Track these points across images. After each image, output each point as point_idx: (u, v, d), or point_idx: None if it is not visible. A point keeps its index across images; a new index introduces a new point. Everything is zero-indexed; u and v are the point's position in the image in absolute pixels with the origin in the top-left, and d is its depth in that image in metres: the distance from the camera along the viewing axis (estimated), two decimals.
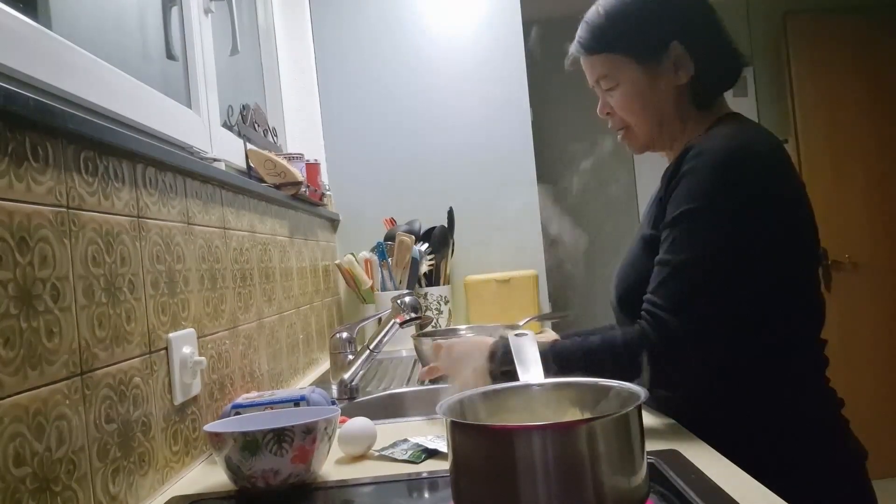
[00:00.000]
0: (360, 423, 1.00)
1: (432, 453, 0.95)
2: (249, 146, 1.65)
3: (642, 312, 0.96)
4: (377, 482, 0.86)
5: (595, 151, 3.78)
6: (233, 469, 0.84)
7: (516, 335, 0.91)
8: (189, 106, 1.41)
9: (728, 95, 1.11)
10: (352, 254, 2.24)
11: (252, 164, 1.63)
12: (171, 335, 0.96)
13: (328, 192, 2.36)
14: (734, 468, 0.79)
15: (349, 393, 1.43)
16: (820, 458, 0.96)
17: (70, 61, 0.92)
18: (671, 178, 1.00)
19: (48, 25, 0.92)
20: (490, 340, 1.09)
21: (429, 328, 1.98)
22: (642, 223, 1.12)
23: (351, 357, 1.45)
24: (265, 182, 1.64)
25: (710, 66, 1.05)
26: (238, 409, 1.05)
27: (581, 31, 1.12)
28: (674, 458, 0.81)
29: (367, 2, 2.45)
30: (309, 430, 0.84)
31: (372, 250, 2.23)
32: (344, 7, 2.45)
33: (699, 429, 0.95)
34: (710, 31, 1.08)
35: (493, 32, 2.43)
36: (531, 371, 0.83)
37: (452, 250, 2.33)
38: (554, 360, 0.95)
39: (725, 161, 0.95)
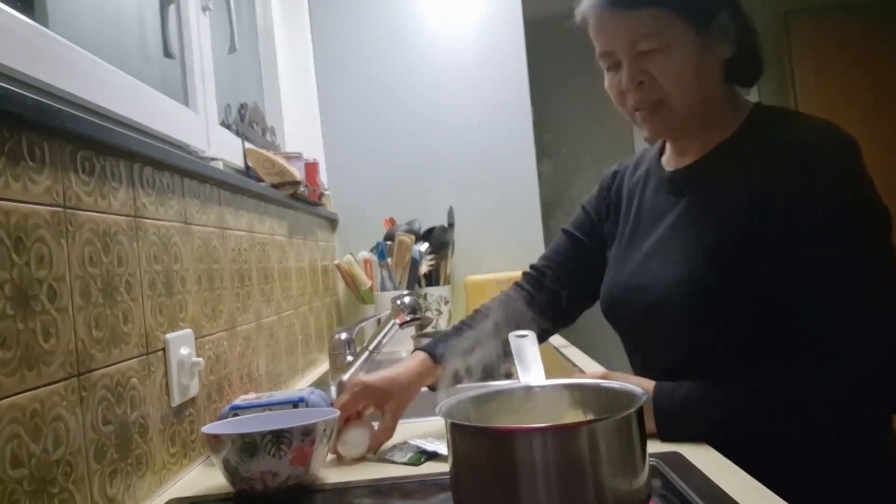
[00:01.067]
0: (358, 426, 0.99)
1: (432, 455, 0.95)
2: (248, 145, 1.64)
3: (836, 342, 0.84)
4: (376, 484, 0.86)
5: (596, 150, 3.77)
6: (231, 471, 0.83)
7: (516, 335, 0.91)
8: (187, 105, 1.40)
9: None
10: (351, 254, 2.24)
11: (250, 164, 1.63)
12: (168, 336, 0.96)
13: (327, 192, 2.36)
14: (736, 469, 0.79)
15: None
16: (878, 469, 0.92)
17: (67, 60, 0.91)
18: (779, 183, 0.88)
19: (45, 24, 0.91)
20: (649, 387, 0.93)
21: (429, 329, 1.97)
22: (688, 230, 0.98)
23: (350, 358, 1.45)
24: (263, 181, 1.63)
25: (749, 45, 0.97)
26: (236, 410, 1.05)
27: None
28: (675, 459, 0.81)
29: (367, 1, 2.44)
30: (308, 432, 0.83)
31: (371, 250, 2.22)
32: (343, 6, 2.45)
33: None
34: (744, 8, 0.99)
35: (493, 32, 2.43)
36: (531, 372, 0.83)
37: (452, 250, 2.33)
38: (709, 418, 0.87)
39: (851, 157, 0.89)
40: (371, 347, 1.44)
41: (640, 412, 0.63)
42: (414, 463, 0.93)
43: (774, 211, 0.88)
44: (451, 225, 2.30)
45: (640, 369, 1.10)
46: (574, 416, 0.73)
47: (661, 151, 1.11)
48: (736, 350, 0.92)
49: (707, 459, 0.82)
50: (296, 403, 1.05)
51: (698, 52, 0.93)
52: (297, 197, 1.77)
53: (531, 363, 0.84)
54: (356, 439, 0.98)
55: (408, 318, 1.43)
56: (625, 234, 1.12)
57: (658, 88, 0.94)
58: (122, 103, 1.05)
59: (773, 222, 0.88)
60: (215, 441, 0.83)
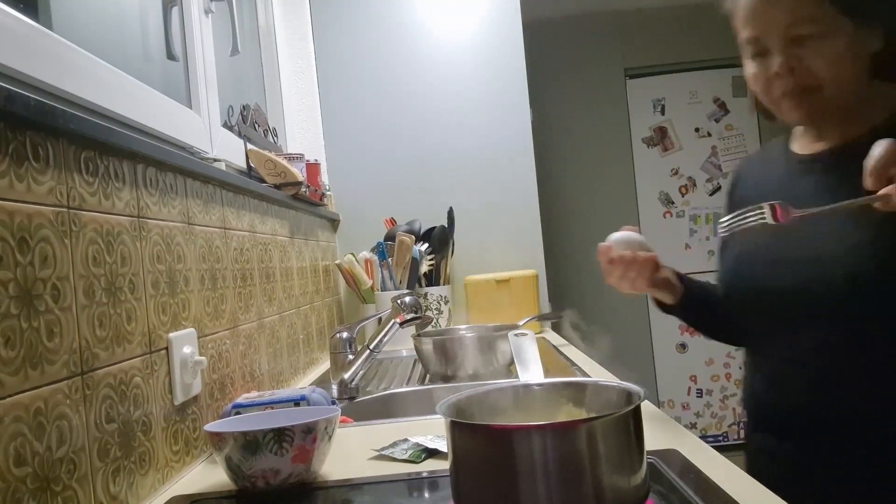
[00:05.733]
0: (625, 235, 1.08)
1: (432, 453, 0.95)
2: (250, 146, 1.65)
3: None
4: (377, 482, 0.86)
5: (595, 150, 3.78)
6: (233, 469, 0.84)
7: (516, 335, 0.92)
8: (189, 106, 1.41)
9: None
10: (352, 254, 2.24)
11: (252, 165, 1.63)
12: (171, 335, 0.96)
13: (328, 192, 2.36)
14: (733, 467, 0.80)
15: (349, 392, 1.43)
16: None
17: (71, 61, 0.92)
18: None
19: (49, 26, 0.92)
20: None
21: (429, 328, 1.98)
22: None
23: (351, 357, 1.46)
24: (265, 182, 1.64)
25: None
26: (238, 408, 1.06)
27: None
28: (673, 457, 0.81)
29: (368, 2, 2.45)
30: (309, 430, 0.84)
31: (372, 250, 2.23)
32: (344, 7, 2.45)
33: None
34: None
35: (493, 33, 2.44)
36: (530, 370, 0.84)
37: (452, 250, 2.33)
38: None
39: None
40: (372, 346, 1.45)
41: (637, 410, 0.64)
42: (414, 460, 0.93)
43: None
44: (451, 225, 2.31)
45: (781, 358, 1.02)
46: (573, 414, 0.74)
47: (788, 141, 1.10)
48: None
49: (705, 458, 0.83)
50: (297, 402, 1.06)
51: (851, 41, 0.92)
52: (299, 197, 1.78)
53: (530, 362, 0.85)
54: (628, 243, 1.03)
55: (408, 318, 1.44)
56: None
57: (811, 75, 0.93)
58: (125, 105, 1.05)
59: None
60: (218, 439, 0.84)
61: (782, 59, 0.93)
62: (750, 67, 0.99)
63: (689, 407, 3.71)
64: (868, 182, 0.78)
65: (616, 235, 1.11)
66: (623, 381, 0.73)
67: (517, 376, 1.15)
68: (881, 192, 0.76)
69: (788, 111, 0.97)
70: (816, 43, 0.91)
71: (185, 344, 1.00)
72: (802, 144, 1.06)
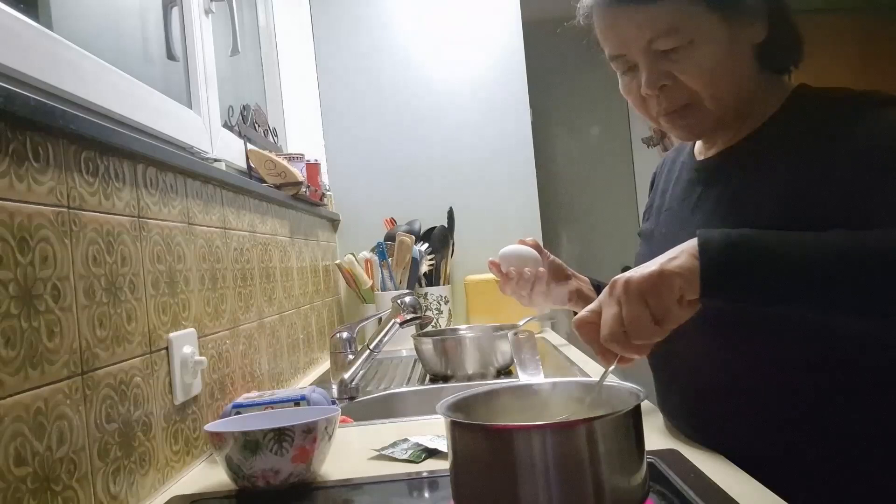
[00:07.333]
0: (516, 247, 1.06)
1: (432, 453, 0.95)
2: (250, 146, 1.65)
3: None
4: (377, 482, 0.86)
5: (595, 150, 3.78)
6: (233, 468, 0.84)
7: (516, 335, 0.92)
8: (189, 106, 1.41)
9: None
10: (352, 254, 2.24)
11: (252, 165, 1.63)
12: (171, 335, 0.96)
13: (328, 193, 2.37)
14: (733, 468, 0.80)
15: (349, 393, 1.43)
16: None
17: (71, 61, 0.92)
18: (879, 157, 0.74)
19: (49, 26, 0.92)
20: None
21: (429, 328, 1.98)
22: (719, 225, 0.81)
23: (351, 357, 1.46)
24: (266, 182, 1.64)
25: (783, 23, 0.85)
26: (238, 408, 1.06)
27: None
28: (673, 457, 0.81)
29: (367, 2, 2.45)
30: (309, 430, 0.84)
31: (372, 250, 2.23)
32: (344, 7, 2.45)
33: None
34: None
35: (492, 32, 2.44)
36: (531, 371, 0.84)
37: (452, 250, 2.33)
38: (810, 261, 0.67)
39: None
40: (372, 346, 1.45)
41: (637, 410, 0.64)
42: (414, 460, 0.93)
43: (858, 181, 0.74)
44: (451, 225, 2.31)
45: (658, 389, 0.99)
46: (573, 413, 0.73)
47: None
48: (775, 365, 0.80)
49: (705, 458, 0.83)
50: (297, 402, 1.06)
51: (726, 40, 0.82)
52: (299, 197, 1.78)
53: (530, 362, 0.85)
54: (520, 257, 1.02)
55: (408, 317, 1.44)
56: (652, 233, 1.00)
57: (684, 90, 0.84)
58: (125, 105, 1.05)
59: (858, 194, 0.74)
60: (218, 439, 0.84)
61: (649, 77, 0.84)
62: (622, 84, 0.91)
63: None
64: (603, 361, 0.72)
65: (506, 249, 1.07)
66: (623, 381, 0.73)
67: (517, 376, 1.15)
68: (612, 364, 0.71)
69: (669, 130, 0.89)
70: (686, 53, 0.82)
71: (185, 344, 1.00)
72: (700, 147, 0.98)
